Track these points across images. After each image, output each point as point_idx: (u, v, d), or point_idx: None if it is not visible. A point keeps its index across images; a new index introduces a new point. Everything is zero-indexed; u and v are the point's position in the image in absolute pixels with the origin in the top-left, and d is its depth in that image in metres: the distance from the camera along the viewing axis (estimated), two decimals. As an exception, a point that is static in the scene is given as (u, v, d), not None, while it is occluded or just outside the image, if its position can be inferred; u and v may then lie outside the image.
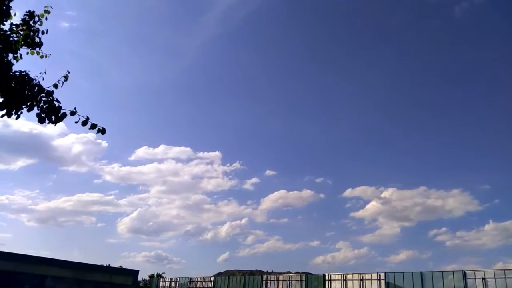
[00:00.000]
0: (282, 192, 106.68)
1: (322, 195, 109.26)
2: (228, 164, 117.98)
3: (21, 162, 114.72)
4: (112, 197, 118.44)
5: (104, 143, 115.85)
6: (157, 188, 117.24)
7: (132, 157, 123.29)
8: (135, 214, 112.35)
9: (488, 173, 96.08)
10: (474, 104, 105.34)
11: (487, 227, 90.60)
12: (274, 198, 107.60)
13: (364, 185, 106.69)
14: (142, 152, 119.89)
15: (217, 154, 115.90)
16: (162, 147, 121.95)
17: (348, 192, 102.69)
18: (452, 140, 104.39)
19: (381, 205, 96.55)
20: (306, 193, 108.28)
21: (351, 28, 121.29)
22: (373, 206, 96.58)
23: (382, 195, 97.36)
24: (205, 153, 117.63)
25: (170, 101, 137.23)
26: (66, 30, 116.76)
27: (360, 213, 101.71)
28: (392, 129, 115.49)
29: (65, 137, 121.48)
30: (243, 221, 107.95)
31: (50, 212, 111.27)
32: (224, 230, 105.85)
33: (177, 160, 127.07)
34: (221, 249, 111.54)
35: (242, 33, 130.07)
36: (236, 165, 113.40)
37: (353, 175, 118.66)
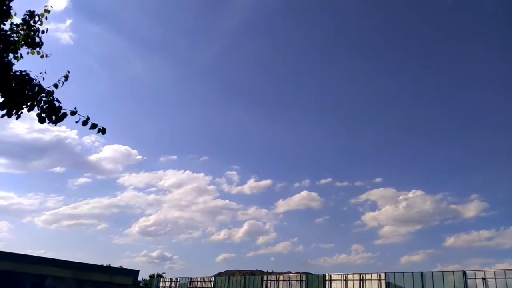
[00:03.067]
0: (301, 195, 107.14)
1: (339, 199, 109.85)
2: (250, 174, 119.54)
3: (58, 169, 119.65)
4: (130, 201, 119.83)
5: (133, 151, 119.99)
6: (178, 192, 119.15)
7: (157, 165, 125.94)
8: (149, 217, 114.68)
9: (505, 178, 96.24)
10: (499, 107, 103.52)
11: (502, 229, 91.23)
12: (293, 201, 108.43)
13: (381, 189, 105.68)
14: (167, 160, 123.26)
15: (237, 167, 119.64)
16: (190, 156, 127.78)
17: (366, 196, 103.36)
18: (472, 145, 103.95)
19: (398, 209, 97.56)
20: (324, 196, 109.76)
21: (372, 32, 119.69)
22: (390, 209, 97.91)
23: (400, 199, 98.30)
24: (230, 166, 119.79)
25: (197, 108, 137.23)
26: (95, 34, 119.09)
27: (377, 216, 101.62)
28: (413, 134, 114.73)
29: (102, 147, 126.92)
30: (258, 223, 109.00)
31: (68, 216, 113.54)
32: (239, 232, 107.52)
33: (200, 169, 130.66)
34: (230, 250, 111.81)
35: (259, 35, 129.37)
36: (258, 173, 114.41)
37: (372, 180, 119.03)
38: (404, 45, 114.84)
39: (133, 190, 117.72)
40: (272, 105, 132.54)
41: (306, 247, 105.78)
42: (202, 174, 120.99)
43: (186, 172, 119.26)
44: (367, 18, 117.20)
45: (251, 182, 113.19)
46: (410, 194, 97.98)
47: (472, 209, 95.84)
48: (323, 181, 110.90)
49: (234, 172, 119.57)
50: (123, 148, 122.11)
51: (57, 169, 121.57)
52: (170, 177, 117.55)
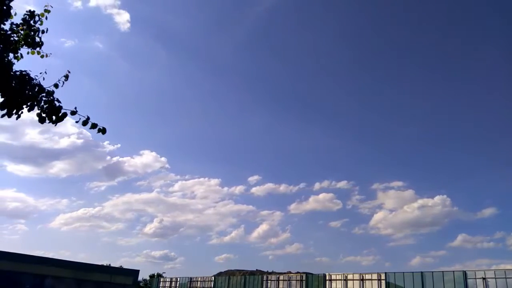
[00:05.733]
0: (317, 197, 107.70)
1: (354, 201, 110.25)
2: (267, 177, 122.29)
3: (77, 173, 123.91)
4: (148, 204, 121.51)
5: (157, 156, 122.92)
6: (195, 196, 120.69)
7: (179, 170, 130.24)
8: (162, 219, 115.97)
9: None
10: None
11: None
12: (308, 204, 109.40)
13: (397, 192, 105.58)
14: (188, 165, 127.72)
15: (256, 171, 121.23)
16: (209, 161, 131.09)
17: (381, 199, 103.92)
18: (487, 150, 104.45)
19: (411, 212, 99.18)
20: (341, 199, 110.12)
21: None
22: (405, 212, 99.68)
23: (414, 202, 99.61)
24: (249, 170, 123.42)
25: (217, 113, 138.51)
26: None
27: (390, 219, 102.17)
28: (431, 138, 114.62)
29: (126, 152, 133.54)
30: (271, 226, 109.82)
31: (84, 218, 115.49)
32: (252, 234, 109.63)
33: (218, 174, 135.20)
34: (239, 251, 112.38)
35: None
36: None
37: (389, 183, 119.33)
38: (427, 53, 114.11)
39: (153, 193, 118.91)
40: (290, 108, 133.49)
41: (316, 249, 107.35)
42: (219, 179, 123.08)
43: (205, 177, 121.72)
44: (384, 25, 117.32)
45: (268, 186, 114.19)
46: (425, 197, 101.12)
47: (485, 213, 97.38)
48: (340, 184, 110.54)
49: (252, 177, 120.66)
50: (147, 153, 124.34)
51: (77, 173, 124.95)
52: (190, 181, 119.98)
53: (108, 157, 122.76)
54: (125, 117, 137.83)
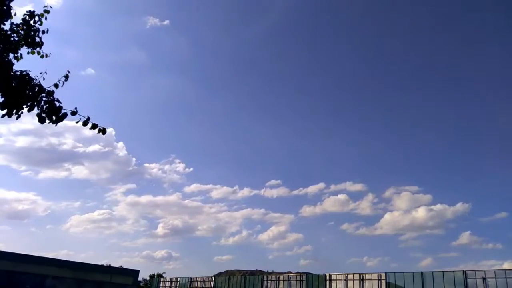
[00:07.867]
0: (331, 200, 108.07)
1: (367, 205, 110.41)
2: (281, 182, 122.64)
3: (96, 177, 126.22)
4: (161, 207, 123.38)
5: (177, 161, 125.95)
6: (213, 199, 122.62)
7: (197, 174, 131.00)
8: (172, 221, 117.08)
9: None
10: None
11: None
12: (319, 207, 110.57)
13: (409, 195, 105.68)
14: (207, 170, 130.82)
15: (274, 181, 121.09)
16: (225, 165, 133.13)
17: (393, 202, 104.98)
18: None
19: (422, 215, 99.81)
20: (354, 202, 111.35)
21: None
22: (417, 215, 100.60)
23: (428, 206, 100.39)
24: (271, 180, 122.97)
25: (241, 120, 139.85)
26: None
27: (399, 221, 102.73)
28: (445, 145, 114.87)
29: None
30: (285, 227, 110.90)
31: (97, 220, 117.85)
32: (261, 236, 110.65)
33: (232, 179, 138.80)
34: (246, 252, 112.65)
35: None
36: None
37: (403, 186, 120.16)
38: (441, 55, 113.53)
39: (170, 197, 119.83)
40: (306, 113, 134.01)
41: (325, 251, 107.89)
42: (235, 183, 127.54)
43: (223, 181, 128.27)
44: (406, 27, 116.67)
45: (283, 189, 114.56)
46: (437, 200, 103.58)
47: (497, 216, 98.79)
48: (355, 187, 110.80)
49: (269, 181, 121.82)
50: (167, 157, 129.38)
51: (96, 177, 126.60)
52: (208, 186, 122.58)
53: (132, 165, 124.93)
54: (153, 123, 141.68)
